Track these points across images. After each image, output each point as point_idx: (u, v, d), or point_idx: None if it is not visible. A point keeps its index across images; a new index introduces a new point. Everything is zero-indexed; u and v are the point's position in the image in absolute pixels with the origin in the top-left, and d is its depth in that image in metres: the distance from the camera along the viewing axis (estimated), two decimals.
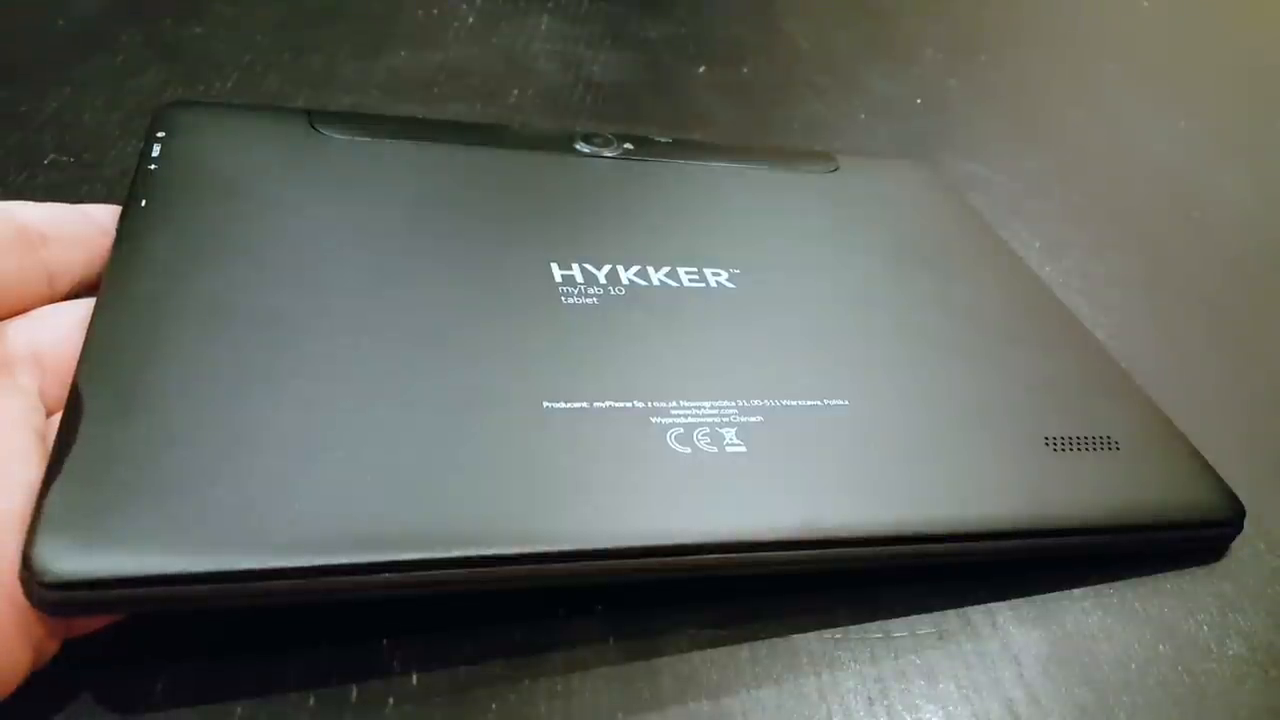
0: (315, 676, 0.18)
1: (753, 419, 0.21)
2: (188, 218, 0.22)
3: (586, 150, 0.29)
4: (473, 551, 0.17)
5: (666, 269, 0.24)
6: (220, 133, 0.25)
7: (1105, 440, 0.23)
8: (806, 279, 0.26)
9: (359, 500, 0.17)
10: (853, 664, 0.20)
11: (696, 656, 0.19)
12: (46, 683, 0.16)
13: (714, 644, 0.20)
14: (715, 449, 0.20)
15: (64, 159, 0.31)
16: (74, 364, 0.18)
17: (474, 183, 0.26)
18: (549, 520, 0.18)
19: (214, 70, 0.37)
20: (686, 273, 0.24)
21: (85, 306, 0.20)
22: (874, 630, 0.21)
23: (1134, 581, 0.23)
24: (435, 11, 0.45)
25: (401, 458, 0.18)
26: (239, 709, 0.17)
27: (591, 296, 0.23)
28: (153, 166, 0.23)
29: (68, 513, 0.15)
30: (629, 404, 0.20)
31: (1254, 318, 0.33)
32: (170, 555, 0.15)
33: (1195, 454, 0.24)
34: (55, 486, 0.15)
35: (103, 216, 0.21)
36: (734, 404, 0.21)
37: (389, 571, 0.16)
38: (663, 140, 0.31)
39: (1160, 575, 0.23)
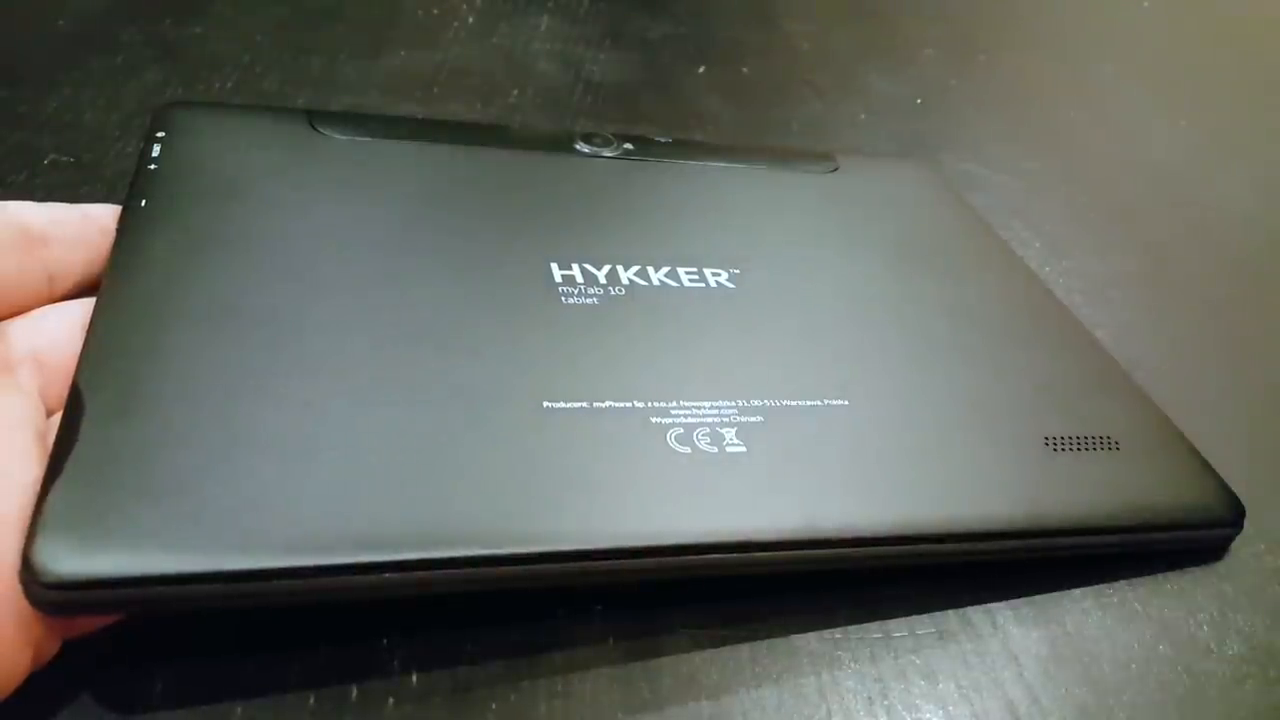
0: (315, 676, 0.18)
1: (753, 419, 0.21)
2: (188, 218, 0.22)
3: (586, 150, 0.29)
4: (473, 551, 0.17)
5: (666, 269, 0.24)
6: (220, 133, 0.25)
7: (1105, 440, 0.23)
8: (806, 279, 0.26)
9: (359, 500, 0.17)
10: (853, 664, 0.20)
11: (696, 656, 0.19)
12: (46, 683, 0.16)
13: (714, 644, 0.20)
14: (715, 449, 0.20)
15: (64, 159, 0.31)
16: (74, 364, 0.18)
17: (474, 183, 0.26)
18: (549, 520, 0.18)
19: (214, 70, 0.37)
20: (686, 273, 0.24)
21: (85, 306, 0.20)
22: (874, 630, 0.21)
23: (1134, 581, 0.23)
24: (435, 11, 0.45)
25: (401, 458, 0.18)
26: (239, 709, 0.17)
27: (591, 296, 0.23)
28: (153, 166, 0.23)
29: (68, 513, 0.15)
30: (629, 404, 0.20)
31: (1254, 318, 0.33)
32: (170, 555, 0.15)
33: (1195, 454, 0.24)
34: (55, 487, 0.15)
35: (103, 216, 0.21)
36: (734, 404, 0.21)
37: (389, 571, 0.16)
38: (663, 140, 0.31)
39: (1160, 575, 0.23)
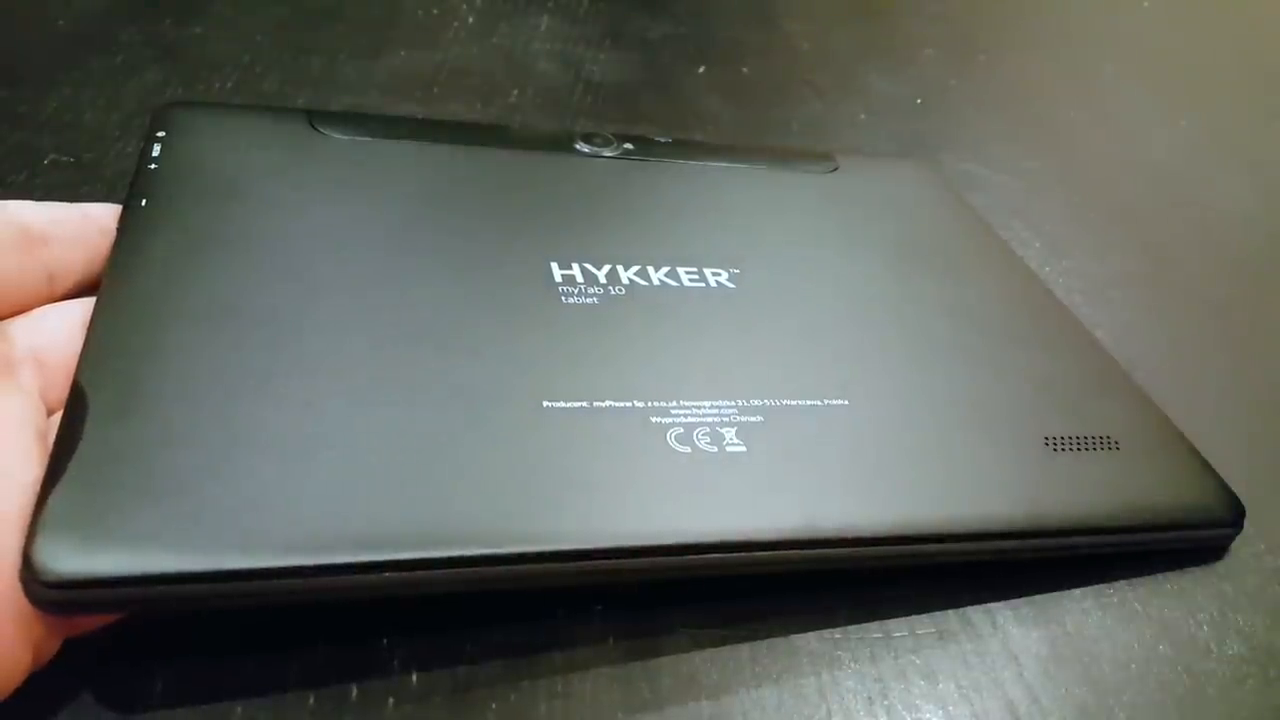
0: (315, 676, 0.18)
1: (753, 419, 0.21)
2: (188, 218, 0.22)
3: (586, 150, 0.29)
4: (473, 551, 0.17)
5: (666, 269, 0.24)
6: (220, 133, 0.25)
7: (1105, 440, 0.23)
8: (806, 279, 0.26)
9: (359, 500, 0.17)
10: (853, 664, 0.20)
11: (696, 656, 0.19)
12: (47, 682, 0.16)
13: (714, 644, 0.20)
14: (715, 449, 0.20)
15: (64, 159, 0.31)
16: (74, 364, 0.18)
17: (474, 183, 0.26)
18: (549, 520, 0.18)
19: (214, 70, 0.37)
20: (686, 273, 0.24)
21: (85, 306, 0.20)
22: (874, 630, 0.21)
23: (1134, 581, 0.23)
24: (435, 11, 0.45)
25: (401, 457, 0.18)
26: (239, 709, 0.17)
27: (591, 296, 0.23)
28: (153, 166, 0.23)
29: (68, 512, 0.15)
30: (629, 404, 0.20)
31: (1254, 318, 0.33)
32: (170, 554, 0.15)
33: (1195, 454, 0.24)
34: (56, 486, 0.15)
35: (103, 216, 0.21)
36: (734, 404, 0.21)
37: (389, 571, 0.16)
38: (663, 140, 0.31)
39: (1160, 575, 0.23)
